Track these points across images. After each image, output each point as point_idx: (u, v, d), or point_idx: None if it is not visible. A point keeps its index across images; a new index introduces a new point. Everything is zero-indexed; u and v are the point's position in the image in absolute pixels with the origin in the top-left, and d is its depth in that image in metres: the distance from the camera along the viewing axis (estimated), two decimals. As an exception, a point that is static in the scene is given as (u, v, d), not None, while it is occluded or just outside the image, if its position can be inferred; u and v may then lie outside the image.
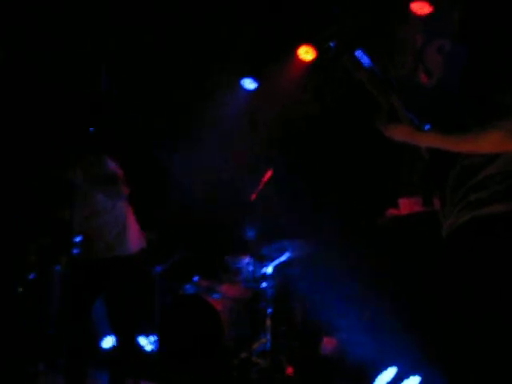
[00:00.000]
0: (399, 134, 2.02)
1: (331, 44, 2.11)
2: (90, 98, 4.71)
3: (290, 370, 5.09)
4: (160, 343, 5.38)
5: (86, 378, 3.96)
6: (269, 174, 5.57)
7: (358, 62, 2.02)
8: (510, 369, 1.77)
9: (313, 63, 5.73)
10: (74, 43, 5.49)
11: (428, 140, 2.00)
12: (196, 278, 5.85)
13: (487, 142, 1.86)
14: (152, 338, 5.60)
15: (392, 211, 4.19)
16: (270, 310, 5.38)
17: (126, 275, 4.07)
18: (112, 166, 4.10)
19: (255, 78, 6.28)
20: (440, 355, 1.94)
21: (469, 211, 1.89)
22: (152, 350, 5.56)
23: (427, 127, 2.11)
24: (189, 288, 5.76)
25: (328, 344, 5.06)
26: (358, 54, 2.02)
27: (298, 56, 5.90)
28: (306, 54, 5.71)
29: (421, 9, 4.87)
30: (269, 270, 5.52)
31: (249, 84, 6.42)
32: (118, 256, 4.04)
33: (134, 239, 4.17)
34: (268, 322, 5.34)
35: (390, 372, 4.07)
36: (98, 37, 5.49)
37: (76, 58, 5.55)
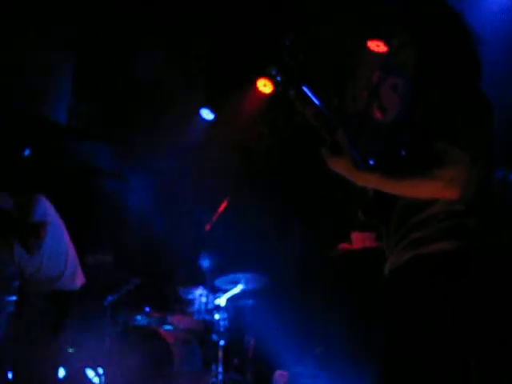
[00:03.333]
0: (340, 167, 2.02)
1: (278, 78, 2.09)
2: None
3: (240, 404, 5.03)
4: (108, 376, 5.24)
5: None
6: (225, 204, 5.56)
7: (304, 97, 2.02)
8: None
9: (270, 96, 5.81)
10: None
11: (367, 179, 1.99)
12: (147, 309, 5.74)
13: (425, 191, 1.87)
14: (100, 370, 5.44)
15: (344, 245, 4.23)
16: (222, 342, 5.32)
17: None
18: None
19: (212, 108, 6.32)
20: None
21: (411, 249, 1.91)
22: (100, 383, 5.40)
23: (371, 162, 2.13)
24: (140, 319, 5.65)
25: (280, 377, 5.02)
26: (305, 89, 2.03)
27: (256, 88, 5.98)
28: (265, 86, 5.78)
29: (377, 47, 5.00)
30: (222, 301, 5.47)
31: (207, 114, 6.45)
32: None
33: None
34: (220, 355, 5.27)
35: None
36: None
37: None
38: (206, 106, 6.45)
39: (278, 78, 2.09)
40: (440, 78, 2.01)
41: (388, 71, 2.23)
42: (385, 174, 1.95)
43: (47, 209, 3.98)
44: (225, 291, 5.52)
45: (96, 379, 5.41)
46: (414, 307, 1.85)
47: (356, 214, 2.18)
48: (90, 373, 5.45)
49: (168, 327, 5.46)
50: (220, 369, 5.21)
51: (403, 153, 2.04)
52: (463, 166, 1.82)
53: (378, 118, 2.28)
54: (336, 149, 2.01)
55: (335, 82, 5.14)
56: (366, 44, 4.98)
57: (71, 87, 5.84)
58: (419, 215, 1.92)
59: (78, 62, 5.84)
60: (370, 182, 1.99)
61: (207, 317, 5.53)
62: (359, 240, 4.07)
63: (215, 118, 6.50)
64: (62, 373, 5.37)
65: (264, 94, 5.91)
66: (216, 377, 5.21)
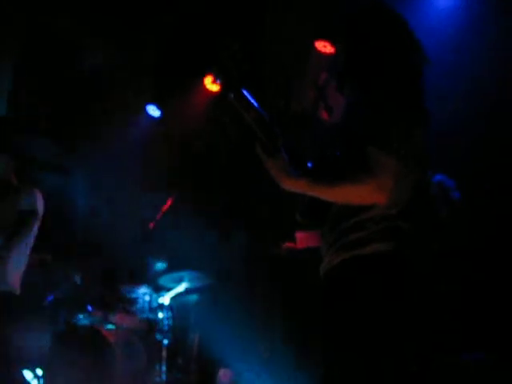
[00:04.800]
0: (270, 169, 2.03)
1: (218, 80, 2.07)
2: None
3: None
4: (48, 377, 5.11)
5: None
6: (169, 202, 5.51)
7: (244, 99, 2.01)
8: None
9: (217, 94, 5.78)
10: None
11: (293, 185, 1.98)
12: (90, 308, 5.63)
13: (353, 196, 1.89)
14: (39, 372, 5.30)
15: (288, 244, 4.25)
16: (166, 342, 5.27)
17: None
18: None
19: (158, 105, 6.26)
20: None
21: (347, 250, 1.93)
22: (38, 385, 5.27)
23: (309, 165, 2.14)
24: (82, 318, 5.53)
25: (223, 376, 5.01)
26: (245, 92, 2.02)
27: (204, 86, 5.95)
28: (212, 84, 5.75)
29: (324, 47, 5.04)
30: (166, 300, 5.42)
31: (153, 111, 6.38)
32: None
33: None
34: (164, 354, 5.22)
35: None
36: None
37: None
38: (153, 102, 6.38)
39: (218, 80, 2.07)
40: (370, 85, 2.02)
41: (334, 72, 2.24)
42: (313, 180, 1.95)
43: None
44: (168, 289, 5.47)
45: (34, 381, 5.27)
46: (348, 306, 1.89)
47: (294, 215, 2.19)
48: (28, 374, 5.30)
49: (110, 326, 5.37)
50: (164, 368, 5.16)
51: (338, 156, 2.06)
52: (392, 172, 1.84)
53: (324, 118, 2.30)
54: (269, 149, 2.01)
55: (282, 83, 5.16)
56: (313, 44, 5.01)
57: (12, 81, 5.69)
58: (355, 218, 1.95)
59: (22, 57, 5.70)
60: (297, 187, 1.99)
61: (151, 315, 5.46)
62: (303, 239, 4.09)
63: (161, 114, 6.44)
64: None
65: (211, 92, 5.88)
66: (160, 376, 5.16)
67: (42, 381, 5.18)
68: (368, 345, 1.82)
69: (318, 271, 2.10)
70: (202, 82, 5.88)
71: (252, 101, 2.02)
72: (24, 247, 4.07)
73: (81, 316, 5.53)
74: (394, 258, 1.88)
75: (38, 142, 6.12)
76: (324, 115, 2.28)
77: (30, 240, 4.13)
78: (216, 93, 5.80)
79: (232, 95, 2.00)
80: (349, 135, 2.03)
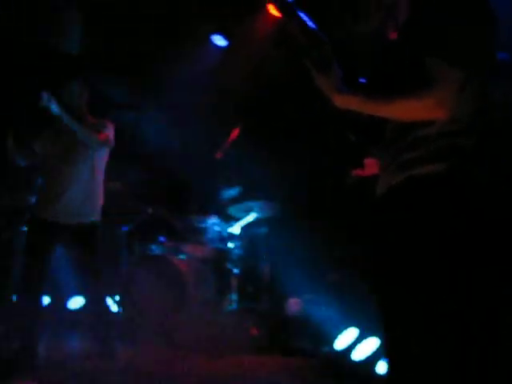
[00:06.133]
0: (321, 85, 1.91)
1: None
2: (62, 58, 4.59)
3: (254, 331, 5.08)
4: (124, 304, 5.33)
5: (38, 339, 3.91)
6: (236, 131, 5.46)
7: (303, 24, 1.89)
8: (443, 333, 1.70)
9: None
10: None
11: (346, 102, 1.87)
12: (162, 239, 5.77)
13: (412, 112, 1.74)
14: (117, 298, 5.54)
15: (357, 172, 4.13)
16: (236, 271, 5.35)
17: (92, 239, 4.07)
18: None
19: (225, 35, 6.13)
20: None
21: (403, 170, 1.80)
22: (118, 311, 5.50)
23: (362, 81, 2.00)
24: (155, 248, 5.69)
25: (293, 304, 5.04)
26: (303, 15, 1.90)
27: (268, 12, 5.76)
28: (274, 9, 5.55)
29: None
30: (235, 230, 5.46)
31: (219, 41, 6.27)
32: (83, 222, 4.04)
33: (99, 205, 4.19)
34: (234, 283, 5.31)
35: (352, 332, 4.06)
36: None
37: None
38: (218, 32, 6.26)
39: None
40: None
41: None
42: (367, 96, 1.83)
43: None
44: (238, 219, 5.50)
45: (114, 307, 5.51)
46: (404, 230, 1.76)
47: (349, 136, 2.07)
48: (109, 301, 5.55)
49: (182, 256, 5.49)
50: (234, 297, 5.26)
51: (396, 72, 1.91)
52: (454, 85, 1.69)
53: (393, 38, 2.14)
54: (322, 65, 1.89)
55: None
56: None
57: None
58: (412, 135, 1.80)
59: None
60: (350, 104, 1.87)
61: (221, 245, 5.54)
62: (372, 166, 3.96)
63: (228, 44, 6.32)
64: (81, 301, 5.50)
65: (276, 17, 5.68)
66: (230, 304, 5.27)
67: (120, 307, 5.42)
68: (429, 273, 1.70)
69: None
70: (266, 8, 5.68)
71: (305, 19, 1.90)
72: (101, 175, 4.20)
73: (154, 247, 5.69)
74: (452, 179, 1.73)
75: (111, 79, 6.19)
76: (393, 35, 2.13)
77: (103, 166, 4.23)
78: (279, 18, 5.60)
79: (293, 18, 1.90)
80: (410, 47, 1.87)
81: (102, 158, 4.19)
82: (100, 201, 4.21)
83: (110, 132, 4.14)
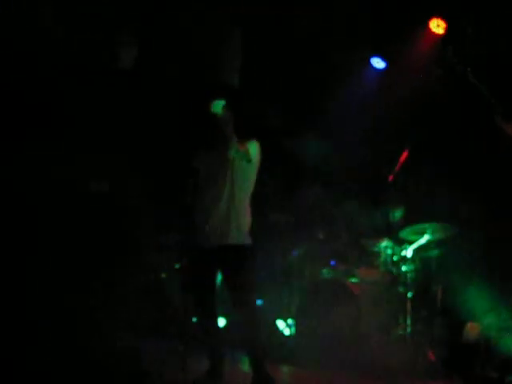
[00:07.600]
0: None
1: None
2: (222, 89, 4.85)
3: (431, 356, 4.96)
4: (297, 327, 5.46)
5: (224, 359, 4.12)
6: (405, 154, 5.41)
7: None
8: None
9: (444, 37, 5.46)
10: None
11: None
12: (333, 263, 5.84)
13: None
14: (290, 321, 5.70)
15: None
16: (409, 294, 5.26)
17: (243, 261, 4.04)
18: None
19: (383, 56, 6.13)
20: None
21: None
22: (290, 334, 5.66)
23: None
24: (326, 272, 5.77)
25: (471, 329, 4.84)
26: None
27: (429, 29, 5.65)
28: (438, 27, 5.45)
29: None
30: (408, 253, 5.38)
31: (377, 63, 6.28)
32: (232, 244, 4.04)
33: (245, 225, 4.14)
34: (408, 307, 5.22)
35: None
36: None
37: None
38: (376, 54, 6.27)
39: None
40: None
41: None
42: None
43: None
44: (411, 242, 5.41)
45: (286, 330, 5.67)
46: None
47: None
48: (281, 324, 5.73)
49: (354, 280, 5.52)
50: (408, 321, 5.17)
51: None
52: None
53: None
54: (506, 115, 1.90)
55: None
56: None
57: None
58: None
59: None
60: None
61: (393, 269, 5.48)
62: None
63: (387, 65, 6.30)
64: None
65: (437, 35, 5.57)
66: (404, 329, 5.18)
67: (293, 329, 5.57)
68: None
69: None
70: (427, 25, 5.59)
71: None
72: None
73: (325, 270, 5.78)
74: None
75: (270, 109, 6.44)
76: None
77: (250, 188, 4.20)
78: (441, 35, 5.48)
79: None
80: None
81: (243, 177, 4.14)
82: (247, 222, 4.14)
83: (251, 147, 4.06)
